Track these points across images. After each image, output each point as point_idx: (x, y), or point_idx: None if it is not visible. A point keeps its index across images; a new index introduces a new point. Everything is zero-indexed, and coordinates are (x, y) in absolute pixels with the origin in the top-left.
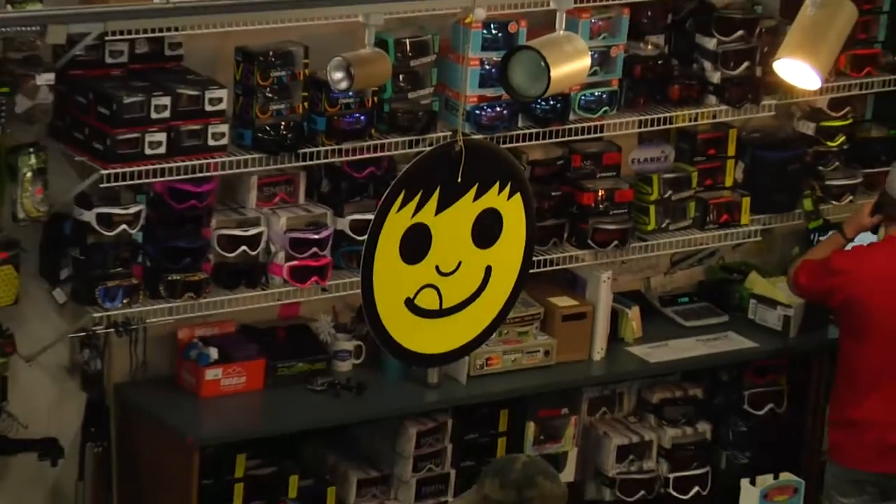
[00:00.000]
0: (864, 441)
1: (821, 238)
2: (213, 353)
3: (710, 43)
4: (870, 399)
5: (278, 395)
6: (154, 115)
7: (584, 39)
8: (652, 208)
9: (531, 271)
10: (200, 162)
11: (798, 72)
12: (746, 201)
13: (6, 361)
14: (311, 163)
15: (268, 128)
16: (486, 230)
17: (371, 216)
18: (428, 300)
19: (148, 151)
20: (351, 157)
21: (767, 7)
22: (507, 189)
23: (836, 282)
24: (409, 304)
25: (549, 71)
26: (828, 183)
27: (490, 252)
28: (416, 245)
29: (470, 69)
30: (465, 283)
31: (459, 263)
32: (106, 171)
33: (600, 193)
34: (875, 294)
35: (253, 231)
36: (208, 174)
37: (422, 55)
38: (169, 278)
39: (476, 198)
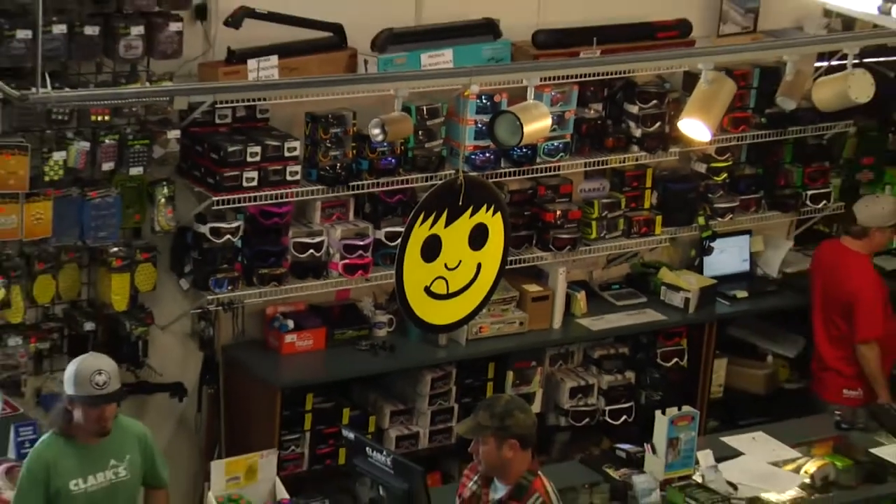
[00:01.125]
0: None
1: (711, 244)
2: (290, 323)
3: (634, 109)
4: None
5: (335, 353)
6: (249, 159)
7: (547, 106)
8: (594, 223)
9: (509, 267)
10: (281, 191)
11: (695, 128)
12: (659, 218)
13: (147, 329)
14: (357, 192)
15: (328, 168)
16: (478, 238)
17: (399, 229)
18: (439, 287)
19: (245, 184)
20: (385, 188)
21: (673, 84)
22: (492, 209)
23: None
24: (427, 290)
25: (522, 128)
26: (715, 206)
27: (480, 253)
28: (431, 249)
29: (467, 127)
30: (463, 275)
31: (460, 261)
32: (216, 198)
33: (558, 213)
34: (811, 278)
35: (318, 239)
36: (286, 200)
37: (434, 117)
38: (260, 272)
39: (471, 216)
